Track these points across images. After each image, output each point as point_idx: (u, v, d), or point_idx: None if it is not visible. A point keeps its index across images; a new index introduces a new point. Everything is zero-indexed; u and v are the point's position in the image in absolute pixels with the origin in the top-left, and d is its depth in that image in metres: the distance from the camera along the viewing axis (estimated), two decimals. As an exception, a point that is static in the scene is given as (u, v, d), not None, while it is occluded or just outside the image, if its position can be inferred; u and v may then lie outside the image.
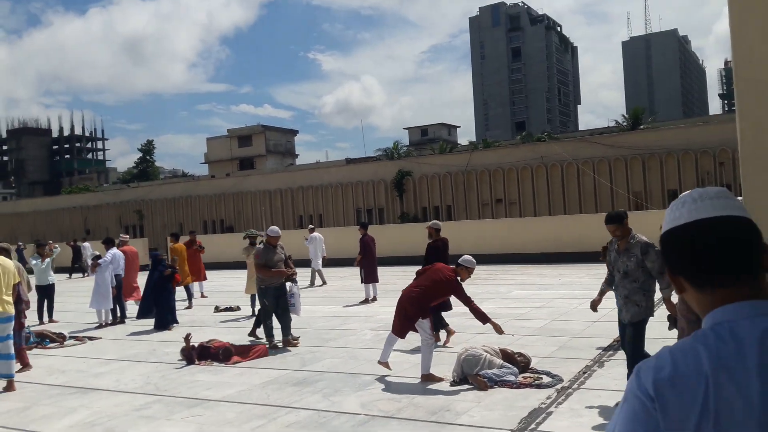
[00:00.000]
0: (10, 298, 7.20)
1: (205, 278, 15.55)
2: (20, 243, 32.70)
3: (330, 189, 37.94)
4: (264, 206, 38.39)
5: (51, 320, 12.67)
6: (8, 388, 7.21)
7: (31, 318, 12.30)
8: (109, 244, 12.38)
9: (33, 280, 13.26)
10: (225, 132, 69.53)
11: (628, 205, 25.52)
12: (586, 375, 6.35)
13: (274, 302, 8.77)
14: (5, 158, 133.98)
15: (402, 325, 6.63)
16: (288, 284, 9.06)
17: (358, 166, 40.43)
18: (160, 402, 6.34)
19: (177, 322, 11.18)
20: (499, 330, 6.59)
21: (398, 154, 40.01)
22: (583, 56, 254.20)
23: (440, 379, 6.44)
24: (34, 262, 13.39)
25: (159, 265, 11.21)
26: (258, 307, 9.57)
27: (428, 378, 6.47)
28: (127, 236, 15.41)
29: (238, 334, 9.95)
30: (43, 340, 10.11)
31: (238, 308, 12.83)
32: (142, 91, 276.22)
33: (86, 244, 27.16)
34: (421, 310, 6.58)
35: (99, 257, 11.96)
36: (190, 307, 13.69)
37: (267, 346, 8.58)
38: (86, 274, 25.73)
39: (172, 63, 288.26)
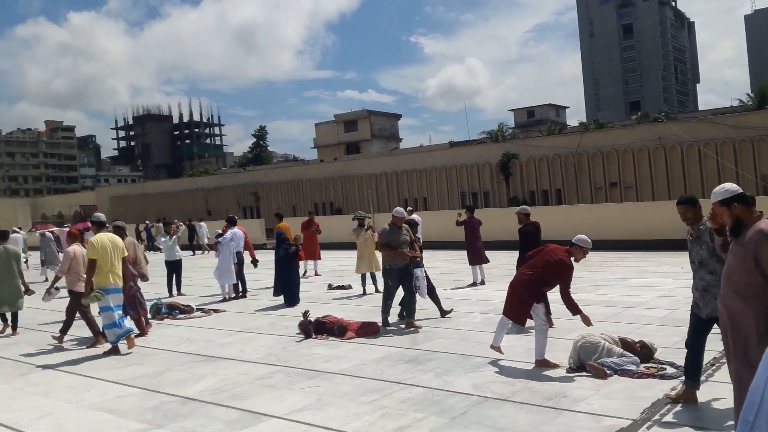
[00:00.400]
0: (119, 272, 8.16)
1: (319, 258, 16.19)
2: (148, 222, 35.21)
3: (434, 172, 37.92)
4: (370, 189, 38.97)
5: (179, 293, 13.60)
6: (112, 352, 8.04)
7: (161, 291, 13.32)
8: (230, 223, 13.12)
9: (162, 257, 14.33)
10: (332, 117, 71.05)
11: (756, 189, 23.70)
12: (714, 367, 6.02)
13: (397, 283, 8.83)
14: (132, 143, 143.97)
15: (517, 310, 6.51)
16: (414, 268, 8.83)
17: (461, 149, 40.09)
18: (281, 372, 6.66)
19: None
20: (587, 322, 6.33)
21: (503, 137, 39.23)
22: (701, 32, 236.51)
23: (556, 365, 6.31)
24: (162, 239, 14.46)
25: (283, 243, 11.62)
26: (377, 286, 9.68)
27: (543, 363, 6.37)
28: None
29: (350, 311, 10.24)
30: (173, 311, 10.86)
31: (349, 287, 13.20)
32: (254, 79, 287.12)
33: (202, 223, 28.83)
34: (534, 294, 6.46)
35: (221, 235, 12.65)
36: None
37: (380, 324, 8.75)
38: (204, 251, 27.35)
39: (281, 51, 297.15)
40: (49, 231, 21.76)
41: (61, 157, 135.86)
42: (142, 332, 9.08)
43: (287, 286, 11.36)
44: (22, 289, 9.82)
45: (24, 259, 15.19)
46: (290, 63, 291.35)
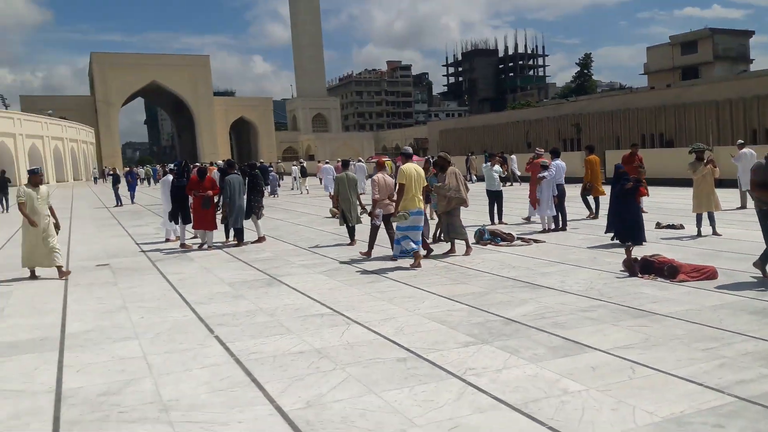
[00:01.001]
0: (421, 197, 9.39)
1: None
2: (471, 153, 36.90)
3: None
4: (710, 119, 34.61)
5: (501, 222, 14.12)
6: (415, 264, 9.25)
7: (484, 219, 14.01)
8: (554, 155, 13.04)
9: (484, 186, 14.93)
10: (666, 39, 64.18)
11: None
12: None
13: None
14: (460, 78, 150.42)
15: None
16: None
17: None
18: (604, 307, 6.50)
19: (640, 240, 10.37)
20: None
21: None
22: None
23: None
24: (484, 167, 15.17)
25: (621, 178, 10.60)
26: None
27: None
28: (542, 150, 15.89)
29: (681, 252, 9.42)
30: (495, 238, 11.32)
31: (681, 226, 12.08)
32: (581, 4, 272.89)
33: (513, 156, 29.54)
34: None
35: (546, 167, 12.61)
36: (595, 217, 14.18)
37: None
38: (512, 183, 28.00)
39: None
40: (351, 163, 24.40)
41: (399, 94, 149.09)
42: (427, 252, 10.12)
43: (627, 225, 10.32)
44: (359, 210, 11.82)
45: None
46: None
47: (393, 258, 9.76)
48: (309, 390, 4.49)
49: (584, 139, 44.41)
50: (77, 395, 4.57)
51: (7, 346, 5.96)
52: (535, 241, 11.33)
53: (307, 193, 30.60)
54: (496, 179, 14.66)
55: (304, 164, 34.60)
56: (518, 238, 11.41)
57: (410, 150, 10.04)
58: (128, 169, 36.28)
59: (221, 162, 23.74)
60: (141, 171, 52.48)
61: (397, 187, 9.36)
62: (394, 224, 9.66)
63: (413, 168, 9.36)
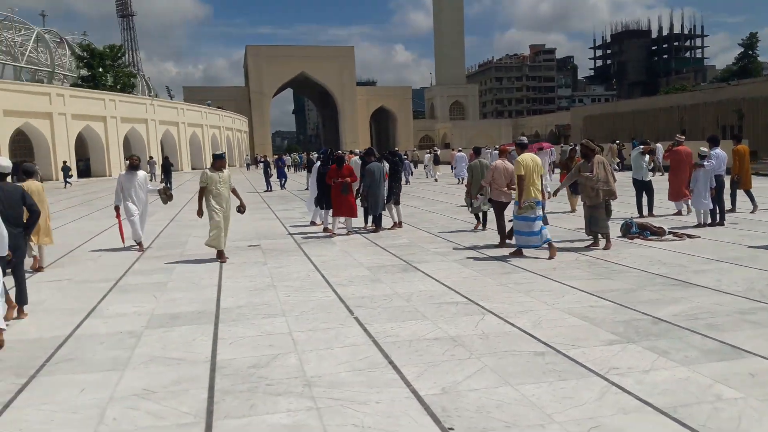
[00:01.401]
0: (539, 187, 9.30)
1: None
2: (618, 141, 34.99)
3: None
4: None
5: (651, 214, 13.30)
6: (551, 256, 9.09)
7: (631, 211, 13.27)
8: (713, 143, 12.03)
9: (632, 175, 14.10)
10: None
11: None
12: None
13: None
14: (608, 62, 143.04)
15: None
16: None
17: None
18: (767, 310, 5.93)
19: None
20: None
21: None
22: None
23: None
24: (633, 155, 14.31)
25: None
26: None
27: None
28: (682, 137, 14.56)
29: None
30: (644, 231, 10.67)
31: None
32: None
33: (658, 144, 27.48)
34: None
35: (704, 156, 11.67)
36: (754, 210, 13.30)
37: None
38: (654, 174, 26.03)
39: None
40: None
41: (541, 79, 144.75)
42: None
43: None
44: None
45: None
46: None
47: (519, 247, 9.53)
48: (444, 377, 4.52)
49: (747, 127, 40.56)
50: (230, 366, 4.93)
51: (169, 318, 6.55)
52: (689, 236, 10.55)
53: (436, 181, 30.66)
54: (645, 168, 13.81)
55: (438, 152, 34.78)
56: (670, 232, 10.68)
57: (525, 140, 9.91)
58: (277, 156, 38.36)
59: (358, 150, 24.45)
60: (288, 158, 55.29)
61: (517, 179, 9.30)
62: (513, 214, 9.55)
63: (529, 158, 9.31)
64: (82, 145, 47.63)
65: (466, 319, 6.06)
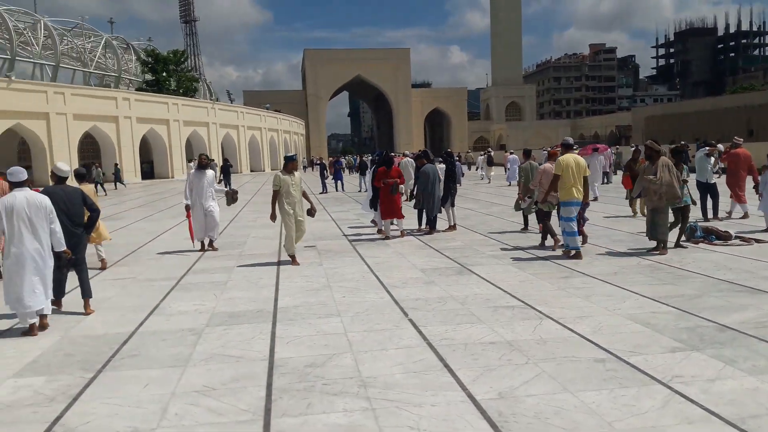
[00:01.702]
0: (581, 187, 9.31)
1: None
2: (684, 142, 33.87)
3: None
4: None
5: (715, 217, 12.83)
6: (576, 256, 9.24)
7: (696, 214, 12.81)
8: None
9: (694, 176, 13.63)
10: None
11: None
12: None
13: None
14: (671, 60, 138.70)
15: None
16: None
17: None
18: None
19: None
20: None
21: None
22: None
23: None
24: (697, 157, 13.82)
25: None
26: None
27: None
28: (741, 139, 13.97)
29: None
30: (709, 235, 10.29)
31: None
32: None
33: (719, 146, 26.33)
34: None
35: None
36: None
37: None
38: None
39: None
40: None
41: (601, 78, 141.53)
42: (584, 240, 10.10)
43: None
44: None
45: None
46: None
47: (566, 248, 9.60)
48: (501, 381, 4.47)
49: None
50: (287, 365, 5.01)
51: (229, 316, 6.70)
52: (757, 240, 10.12)
53: (489, 182, 30.43)
54: (709, 170, 13.30)
55: (492, 153, 34.66)
56: (736, 237, 10.27)
57: (570, 140, 10.00)
58: (335, 158, 38.77)
59: (408, 152, 24.45)
60: (343, 161, 55.81)
61: (552, 177, 9.54)
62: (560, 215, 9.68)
63: (571, 158, 9.39)
64: (146, 148, 49.27)
65: (522, 323, 5.97)
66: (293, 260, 9.81)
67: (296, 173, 9.91)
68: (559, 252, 9.81)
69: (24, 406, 4.34)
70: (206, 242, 11.50)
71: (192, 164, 44.25)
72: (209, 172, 11.40)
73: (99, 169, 34.13)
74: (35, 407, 4.31)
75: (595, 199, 18.69)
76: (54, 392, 4.59)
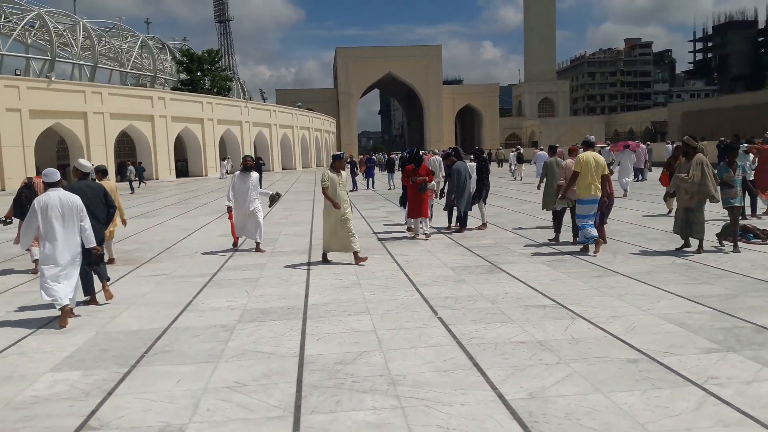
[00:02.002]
0: (599, 185, 9.44)
1: None
2: (723, 138, 33.09)
3: None
4: None
5: (753, 215, 12.57)
6: (596, 249, 9.39)
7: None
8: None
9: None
10: None
11: None
12: None
13: None
14: (709, 55, 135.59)
15: None
16: None
17: None
18: None
19: None
20: None
21: None
22: None
23: None
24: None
25: None
26: None
27: None
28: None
29: None
30: (746, 234, 10.05)
31: None
32: None
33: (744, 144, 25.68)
34: None
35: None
36: None
37: None
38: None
39: None
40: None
41: (636, 74, 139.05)
42: (603, 240, 9.84)
43: None
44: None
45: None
46: None
47: (581, 243, 9.87)
48: (531, 381, 4.43)
49: None
50: (317, 362, 5.04)
51: (260, 312, 6.77)
52: (799, 239, 9.84)
53: (521, 179, 30.16)
54: (748, 168, 12.96)
55: (521, 150, 34.46)
56: (776, 236, 10.00)
57: (592, 138, 10.19)
58: (364, 156, 38.84)
59: (437, 150, 24.35)
60: (375, 158, 55.89)
61: (572, 174, 9.67)
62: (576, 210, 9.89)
63: (591, 156, 9.51)
64: (180, 146, 50.03)
65: (554, 323, 5.91)
66: (324, 259, 9.84)
67: (343, 172, 9.87)
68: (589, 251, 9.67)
69: (61, 400, 4.45)
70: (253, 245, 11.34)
71: (225, 162, 44.34)
72: (254, 175, 11.29)
73: (131, 167, 34.68)
74: (71, 401, 4.42)
75: (624, 194, 18.51)
76: (89, 386, 4.70)
